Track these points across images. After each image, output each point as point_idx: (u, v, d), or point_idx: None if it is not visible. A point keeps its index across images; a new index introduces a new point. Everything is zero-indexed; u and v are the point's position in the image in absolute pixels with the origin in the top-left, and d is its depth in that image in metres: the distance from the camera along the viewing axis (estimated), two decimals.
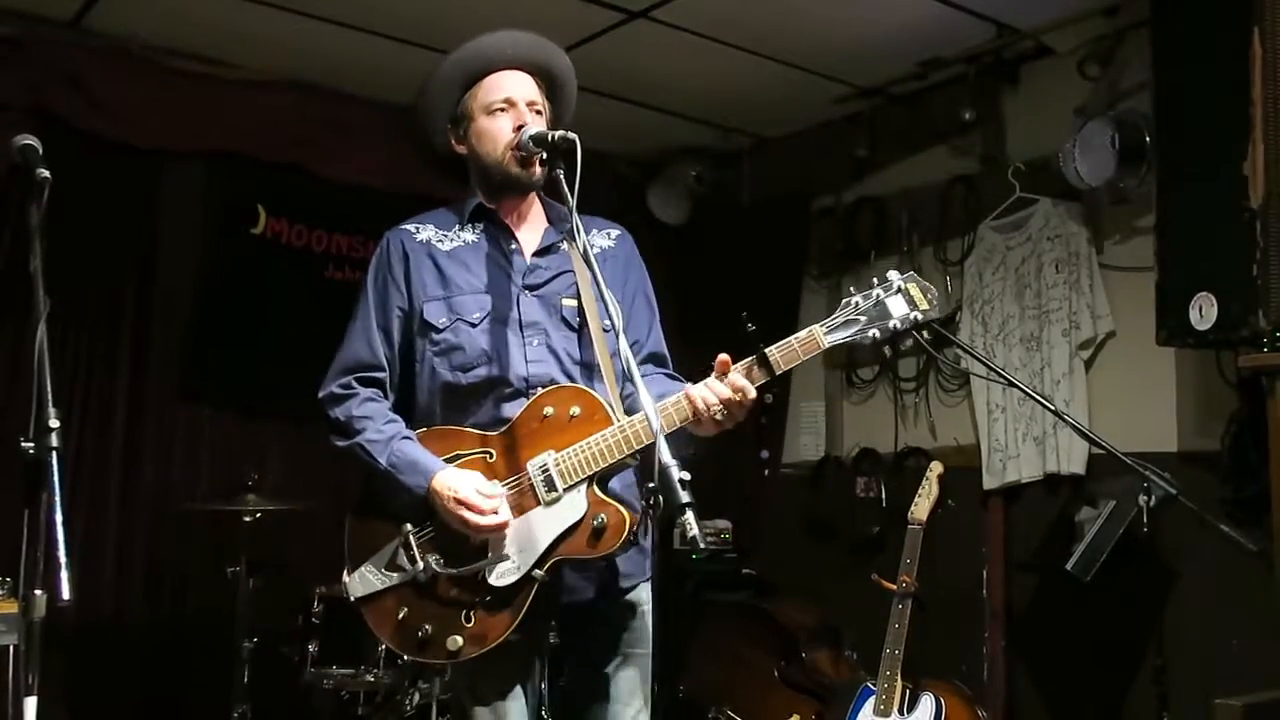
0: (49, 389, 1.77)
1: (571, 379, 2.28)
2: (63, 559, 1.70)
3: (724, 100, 4.82)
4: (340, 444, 2.26)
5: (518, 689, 2.24)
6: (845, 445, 4.97)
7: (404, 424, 2.27)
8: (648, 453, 2.12)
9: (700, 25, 4.06)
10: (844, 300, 2.19)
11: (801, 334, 2.15)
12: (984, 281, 4.40)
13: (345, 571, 2.26)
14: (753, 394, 2.11)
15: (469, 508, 2.13)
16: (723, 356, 2.13)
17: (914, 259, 4.71)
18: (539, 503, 2.17)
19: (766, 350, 2.13)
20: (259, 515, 3.76)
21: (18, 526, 1.73)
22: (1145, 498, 3.04)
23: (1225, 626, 3.54)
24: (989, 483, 4.30)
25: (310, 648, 3.62)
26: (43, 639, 1.73)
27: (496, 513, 2.14)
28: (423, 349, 2.30)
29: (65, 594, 1.69)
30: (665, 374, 2.43)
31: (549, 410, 2.21)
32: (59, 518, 1.71)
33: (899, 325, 2.16)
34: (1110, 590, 3.64)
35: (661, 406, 2.12)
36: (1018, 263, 4.29)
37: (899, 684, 3.56)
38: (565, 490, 2.15)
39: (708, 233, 5.47)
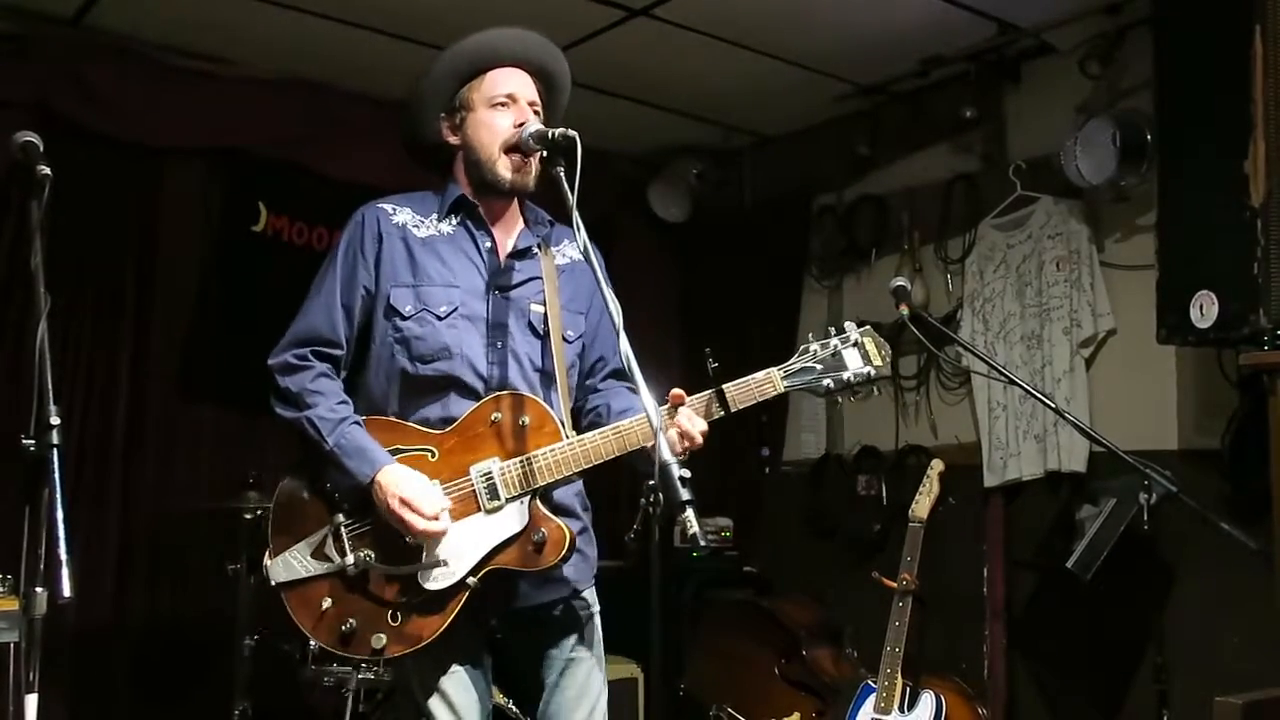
0: (50, 386, 1.78)
1: (531, 386, 2.27)
2: (63, 556, 1.70)
3: (725, 98, 4.82)
4: (286, 415, 2.22)
5: (466, 674, 2.21)
6: (846, 443, 4.97)
7: (352, 408, 2.23)
8: (631, 460, 2.15)
9: (701, 23, 4.06)
10: (802, 347, 2.25)
11: (759, 375, 2.20)
12: (985, 279, 4.40)
13: (267, 554, 2.22)
14: (700, 434, 2.12)
15: (412, 509, 2.10)
16: (676, 391, 2.15)
17: (915, 257, 4.71)
18: (479, 509, 2.15)
19: (724, 387, 2.17)
20: (260, 513, 3.75)
21: (19, 524, 1.73)
22: (1146, 496, 3.04)
23: (1225, 624, 3.54)
24: (990, 480, 4.30)
25: (311, 645, 3.62)
26: (43, 636, 1.74)
27: (439, 518, 2.12)
28: (384, 334, 2.27)
29: (66, 591, 1.69)
30: (626, 387, 2.41)
31: (497, 416, 2.19)
32: (60, 515, 1.71)
33: (852, 379, 2.23)
34: (1111, 588, 3.63)
35: (617, 427, 2.14)
36: (1019, 261, 4.28)
37: (899, 682, 3.56)
38: (508, 500, 2.15)
39: (709, 231, 5.47)
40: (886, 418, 4.75)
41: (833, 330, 2.26)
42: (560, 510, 2.22)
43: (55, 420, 1.75)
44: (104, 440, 4.20)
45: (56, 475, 1.73)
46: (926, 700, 3.57)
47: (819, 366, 2.22)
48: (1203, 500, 2.99)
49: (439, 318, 2.24)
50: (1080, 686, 4.02)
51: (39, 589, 1.71)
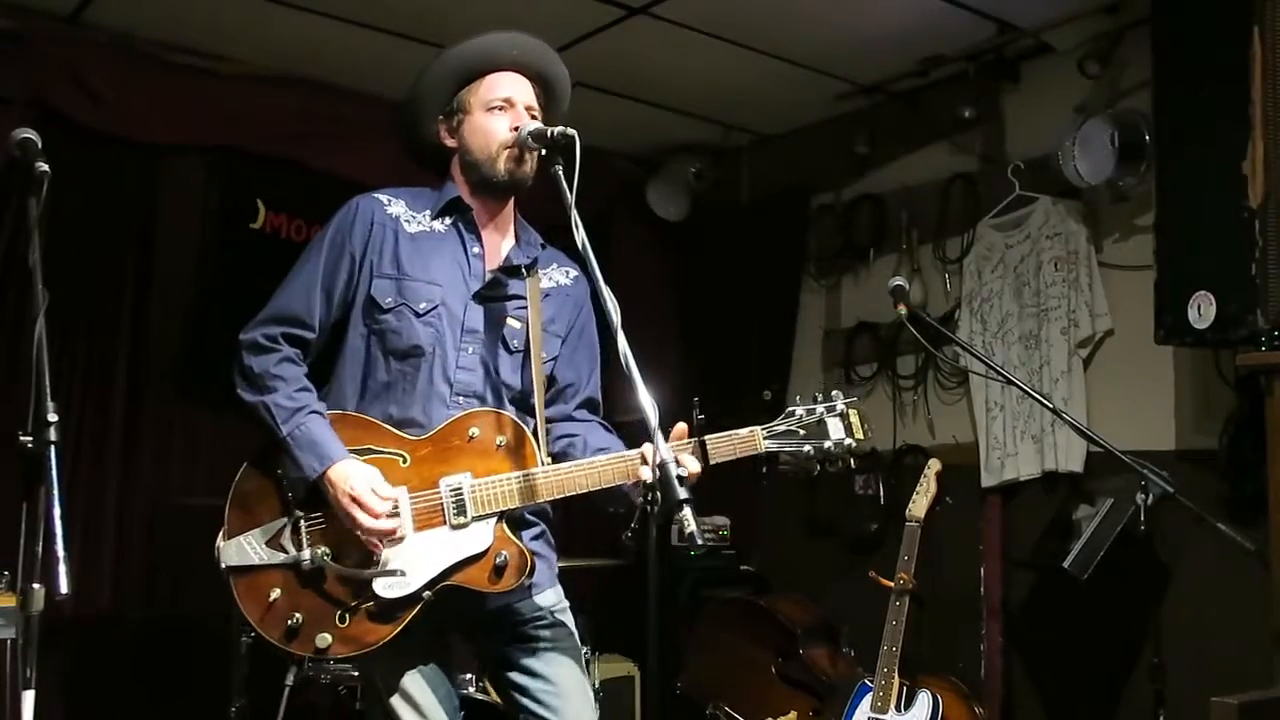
0: (47, 383, 1.78)
1: (498, 399, 2.25)
2: (61, 553, 1.70)
3: (724, 97, 4.82)
4: (246, 396, 2.20)
5: (428, 673, 2.19)
6: None
7: (316, 396, 2.21)
8: (598, 498, 2.15)
9: (700, 22, 4.06)
10: (789, 409, 2.26)
11: (743, 432, 2.21)
12: (983, 279, 4.41)
13: (221, 535, 2.19)
14: (696, 471, 2.12)
15: (361, 506, 2.07)
16: (680, 426, 2.15)
17: (913, 257, 4.72)
18: (445, 523, 2.13)
19: (705, 439, 2.17)
20: None
21: (16, 520, 1.73)
22: (1143, 496, 3.03)
23: (1222, 624, 3.54)
24: (987, 480, 4.31)
25: None
26: (40, 633, 1.73)
27: (389, 517, 2.09)
28: (359, 324, 2.25)
29: (63, 588, 1.69)
30: (601, 424, 2.42)
31: (475, 431, 2.17)
32: (57, 512, 1.71)
33: (832, 449, 2.24)
34: (1108, 588, 3.64)
35: (594, 462, 2.14)
36: (1017, 261, 4.29)
37: (896, 681, 3.56)
38: (474, 519, 2.12)
39: (707, 230, 5.47)
40: (884, 417, 4.75)
41: (819, 396, 2.28)
42: (515, 521, 2.20)
43: (53, 417, 1.75)
44: (101, 437, 4.20)
45: (54, 472, 1.73)
46: (923, 699, 3.57)
47: (802, 431, 2.24)
48: (1200, 501, 2.99)
49: (417, 314, 2.23)
50: (1077, 686, 4.02)
51: (36, 585, 1.71)
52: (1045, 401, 3.13)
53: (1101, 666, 3.91)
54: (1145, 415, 3.85)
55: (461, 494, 2.13)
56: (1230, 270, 2.98)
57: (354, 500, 2.08)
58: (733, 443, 2.19)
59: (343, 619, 2.10)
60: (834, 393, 2.29)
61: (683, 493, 1.78)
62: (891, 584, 3.63)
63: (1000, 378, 3.24)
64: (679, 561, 4.68)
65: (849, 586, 4.34)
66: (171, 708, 4.18)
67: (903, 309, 3.14)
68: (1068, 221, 4.11)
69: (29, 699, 1.72)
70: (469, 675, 3.39)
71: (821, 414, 2.25)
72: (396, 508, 2.12)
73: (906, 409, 4.72)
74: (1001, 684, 4.25)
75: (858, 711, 3.61)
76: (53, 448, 1.74)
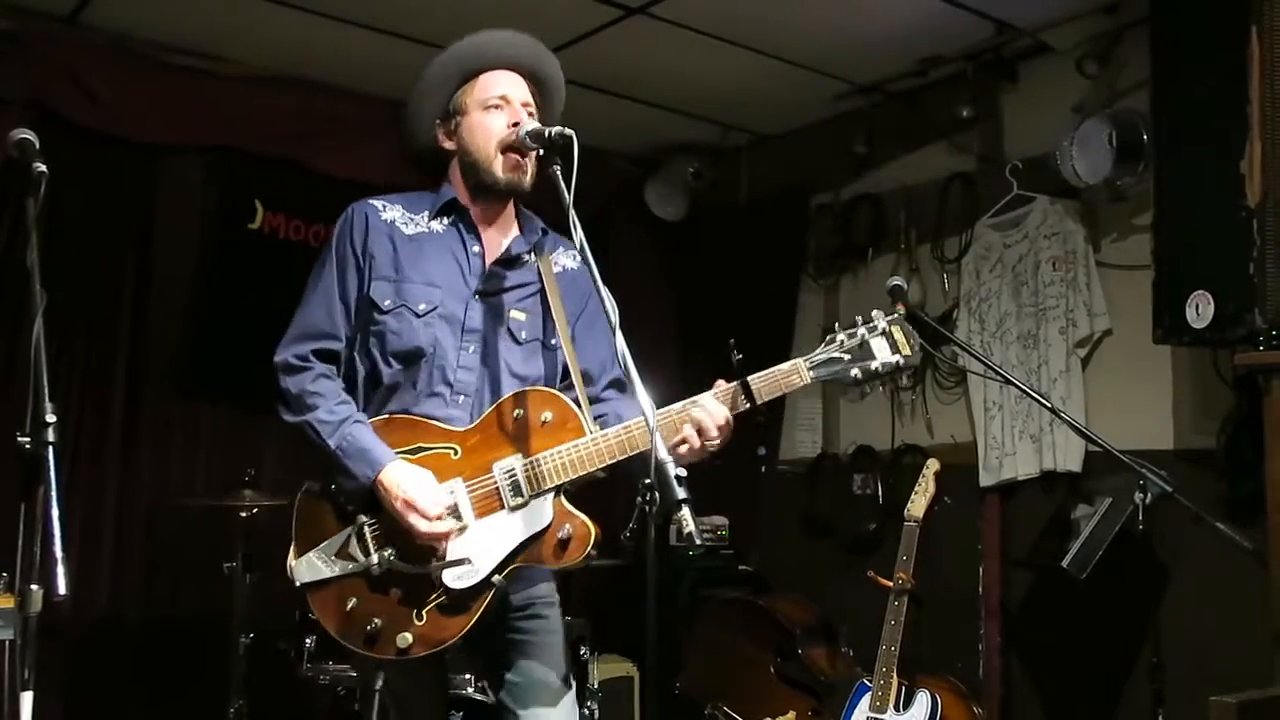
0: (45, 384, 1.78)
1: (497, 395, 2.25)
2: (59, 554, 1.70)
3: (722, 97, 4.82)
4: (288, 418, 2.22)
5: (428, 679, 2.24)
6: (842, 442, 4.98)
7: (355, 407, 2.23)
8: (633, 459, 2.12)
9: (698, 21, 4.06)
10: (829, 336, 2.21)
11: (785, 366, 2.17)
12: (981, 279, 4.41)
13: (291, 554, 2.21)
14: (722, 423, 2.11)
15: (416, 511, 2.09)
16: (718, 381, 2.14)
17: (911, 256, 4.72)
18: (504, 507, 2.14)
19: (749, 379, 2.14)
20: (256, 511, 3.76)
21: (14, 521, 1.73)
22: (1141, 495, 3.03)
23: (1221, 624, 3.54)
24: (985, 480, 4.31)
25: (306, 643, 3.62)
26: (39, 634, 1.73)
27: (442, 519, 2.10)
28: (362, 327, 2.27)
29: (62, 589, 1.69)
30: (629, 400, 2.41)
31: (520, 412, 2.18)
32: (55, 512, 1.71)
33: (880, 369, 2.18)
34: (1106, 587, 3.64)
35: (641, 422, 2.10)
36: (1015, 260, 4.29)
37: (895, 681, 3.56)
38: (532, 497, 2.13)
39: (705, 229, 5.47)
40: (882, 417, 4.75)
41: (860, 319, 2.21)
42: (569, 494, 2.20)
43: (51, 418, 1.75)
44: (100, 438, 4.20)
45: (52, 473, 1.73)
46: (922, 699, 3.57)
47: (846, 356, 2.18)
48: (1198, 500, 2.99)
49: (417, 315, 2.24)
50: (1075, 686, 4.02)
51: (34, 586, 1.71)
52: (1044, 401, 3.13)
53: (1101, 666, 3.91)
54: (1143, 415, 3.86)
55: (515, 475, 2.14)
56: (1228, 270, 2.98)
57: (408, 505, 2.09)
58: (777, 378, 2.16)
59: (419, 616, 2.12)
60: (874, 312, 2.22)
61: (681, 492, 1.78)
62: (890, 584, 3.63)
63: (999, 377, 3.24)
64: (678, 561, 4.69)
65: (848, 586, 4.34)
66: (171, 708, 4.18)
67: (901, 309, 3.13)
68: (1066, 221, 4.11)
69: (27, 700, 1.72)
70: (468, 675, 3.40)
71: (863, 336, 2.18)
72: (455, 508, 2.13)
73: (905, 409, 4.72)
74: (1000, 684, 4.25)
75: (856, 711, 3.62)
76: (51, 448, 1.74)
